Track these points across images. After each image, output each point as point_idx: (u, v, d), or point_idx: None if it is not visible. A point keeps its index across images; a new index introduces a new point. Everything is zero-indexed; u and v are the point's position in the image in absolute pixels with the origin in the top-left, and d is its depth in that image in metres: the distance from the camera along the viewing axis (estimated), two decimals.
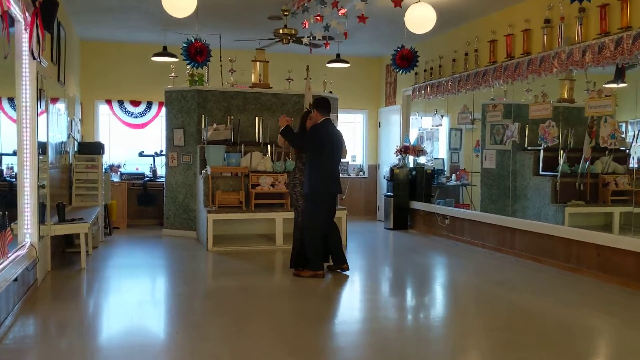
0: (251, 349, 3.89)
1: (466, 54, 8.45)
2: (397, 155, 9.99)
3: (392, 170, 9.80)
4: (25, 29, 4.97)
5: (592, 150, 6.94)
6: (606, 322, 4.74)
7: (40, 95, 5.61)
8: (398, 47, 9.09)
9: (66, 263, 6.54)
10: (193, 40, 8.06)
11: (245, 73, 9.39)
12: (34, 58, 5.15)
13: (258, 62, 8.87)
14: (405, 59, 9.14)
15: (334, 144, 6.08)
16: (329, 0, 6.33)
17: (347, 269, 6.13)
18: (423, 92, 9.56)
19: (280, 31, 7.87)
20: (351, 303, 5.46)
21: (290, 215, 7.72)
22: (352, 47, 10.13)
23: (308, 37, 7.20)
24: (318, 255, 6.03)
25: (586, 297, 5.46)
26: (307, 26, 6.38)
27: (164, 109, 9.27)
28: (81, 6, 7.88)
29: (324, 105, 6.09)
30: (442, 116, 9.33)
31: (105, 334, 4.35)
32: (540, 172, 7.51)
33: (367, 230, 9.89)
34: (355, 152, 11.60)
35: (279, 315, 4.82)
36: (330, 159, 6.03)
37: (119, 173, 9.88)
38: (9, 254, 4.59)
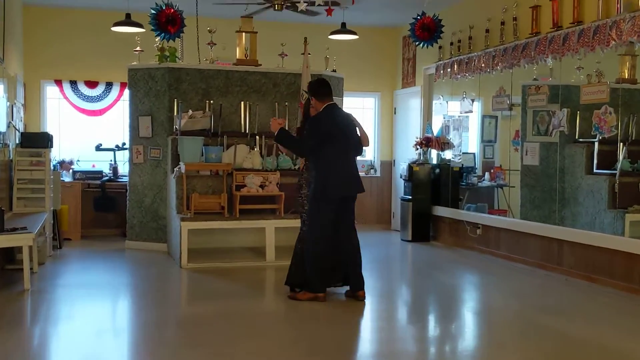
0: None
1: (502, 23, 8.44)
2: (417, 149, 9.97)
3: (410, 167, 9.79)
4: None
5: None
6: None
7: None
8: (418, 15, 9.07)
9: (6, 283, 6.52)
10: (163, 6, 8.04)
11: (228, 47, 9.37)
12: None
13: (244, 34, 8.86)
14: (427, 29, 9.13)
15: (345, 133, 5.98)
16: None
17: (363, 296, 6.05)
18: (449, 70, 9.55)
19: None
20: (361, 333, 5.44)
21: (284, 224, 7.74)
22: (361, 15, 10.12)
23: (305, 1, 7.20)
24: (319, 274, 5.98)
25: None
26: None
27: (127, 92, 9.26)
28: None
29: (320, 89, 6.04)
30: (472, 100, 9.33)
31: None
32: (595, 170, 7.49)
33: (380, 243, 9.87)
34: None
35: (270, 348, 4.79)
36: (340, 153, 5.92)
37: (71, 171, 9.86)
38: None
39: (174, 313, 5.89)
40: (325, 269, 6.00)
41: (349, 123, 6.10)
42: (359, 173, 6.20)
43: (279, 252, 7.63)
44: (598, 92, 7.04)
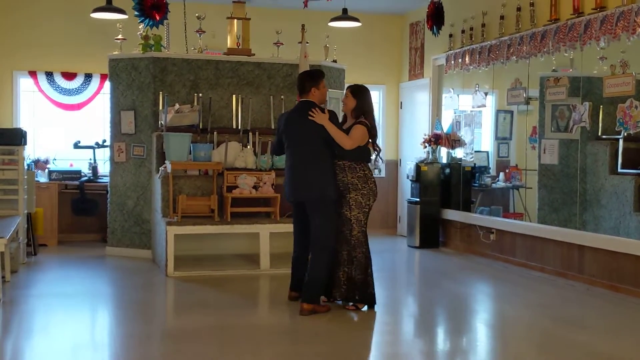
0: None
1: (518, 9, 8.45)
2: (425, 147, 9.97)
3: (418, 167, 9.80)
4: None
5: None
6: None
7: None
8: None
9: None
10: None
11: (218, 35, 9.38)
12: None
13: (236, 20, 8.86)
14: (430, 16, 9.13)
15: (290, 135, 6.12)
16: None
17: (302, 312, 5.90)
18: (460, 60, 9.55)
19: None
20: (363, 348, 5.44)
21: (280, 229, 7.74)
22: (364, 0, 10.13)
23: None
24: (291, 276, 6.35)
25: None
26: None
27: (107, 84, 9.26)
28: None
29: (298, 83, 6.31)
30: (485, 94, 9.33)
31: None
32: (619, 170, 7.50)
33: (385, 249, 9.87)
34: None
35: None
36: (289, 154, 6.20)
37: (46, 171, 9.86)
38: None
39: (159, 326, 5.90)
40: (293, 274, 6.31)
41: (296, 123, 6.07)
42: (325, 177, 6.00)
43: (274, 259, 7.63)
44: (623, 84, 7.05)
